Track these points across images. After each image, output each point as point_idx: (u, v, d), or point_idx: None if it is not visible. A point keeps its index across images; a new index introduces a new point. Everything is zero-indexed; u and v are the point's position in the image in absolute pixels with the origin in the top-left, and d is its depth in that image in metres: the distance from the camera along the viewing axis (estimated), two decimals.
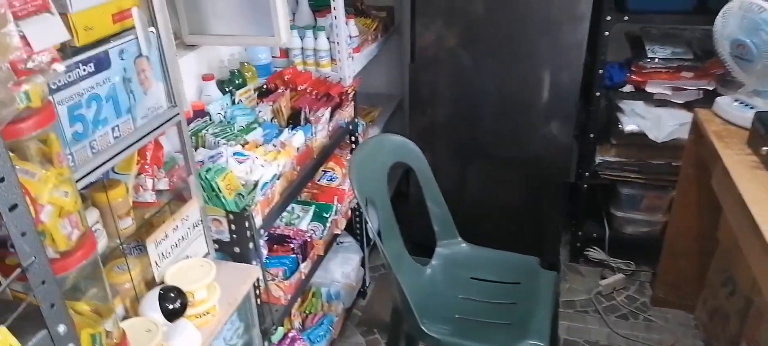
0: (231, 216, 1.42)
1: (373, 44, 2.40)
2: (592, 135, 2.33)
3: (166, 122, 1.19)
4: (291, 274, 1.70)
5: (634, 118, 2.27)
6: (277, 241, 1.79)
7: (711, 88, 2.18)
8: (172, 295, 1.10)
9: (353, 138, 2.19)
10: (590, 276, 2.54)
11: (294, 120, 1.87)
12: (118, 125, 1.08)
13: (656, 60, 2.20)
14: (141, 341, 1.03)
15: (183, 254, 1.26)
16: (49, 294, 0.73)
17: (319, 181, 2.08)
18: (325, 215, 1.96)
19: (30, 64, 0.69)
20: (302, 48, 2.15)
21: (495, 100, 2.22)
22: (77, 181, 0.95)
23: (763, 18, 1.66)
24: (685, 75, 2.19)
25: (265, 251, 1.68)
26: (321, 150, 1.89)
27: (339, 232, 2.07)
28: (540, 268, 1.82)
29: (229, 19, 1.77)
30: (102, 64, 1.03)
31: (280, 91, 1.97)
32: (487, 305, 1.74)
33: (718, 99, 1.94)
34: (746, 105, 1.84)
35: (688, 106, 2.22)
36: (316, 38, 2.11)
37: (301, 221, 1.90)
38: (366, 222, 2.33)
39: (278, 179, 1.59)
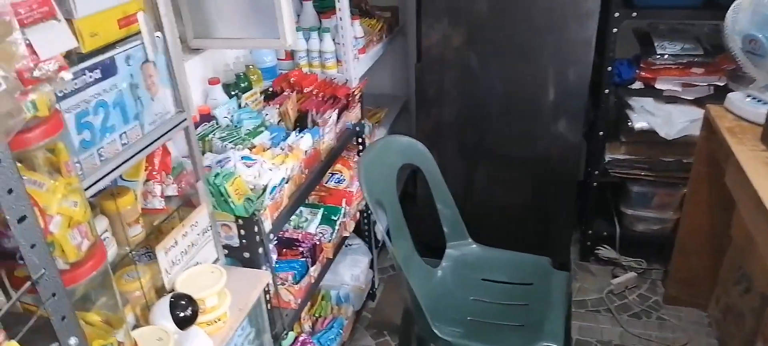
0: (240, 221, 1.41)
1: (378, 45, 2.38)
2: (601, 133, 2.31)
3: (173, 128, 1.18)
4: (301, 278, 1.69)
5: (644, 115, 2.25)
6: (286, 245, 1.77)
7: (722, 84, 2.15)
8: (183, 302, 1.09)
9: (360, 140, 2.18)
10: (601, 275, 2.52)
11: (301, 123, 1.85)
12: (125, 132, 1.06)
13: (665, 56, 2.18)
14: None
15: (193, 260, 1.25)
16: (60, 306, 0.72)
17: (326, 183, 2.07)
18: (333, 217, 1.94)
19: (37, 73, 0.68)
20: (307, 50, 2.13)
21: (502, 99, 2.20)
22: (85, 189, 0.93)
23: None
24: (695, 71, 2.17)
25: (274, 256, 1.66)
26: (328, 152, 1.88)
27: (348, 234, 2.06)
28: (552, 268, 1.80)
29: (234, 22, 1.76)
30: (108, 70, 1.02)
31: (286, 93, 1.96)
32: (498, 307, 1.73)
33: (730, 95, 1.91)
34: (759, 100, 1.82)
35: (698, 102, 2.19)
36: (321, 40, 2.10)
37: (310, 224, 1.89)
38: (375, 224, 2.32)
39: (287, 182, 1.58)
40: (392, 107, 2.74)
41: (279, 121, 1.86)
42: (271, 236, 1.51)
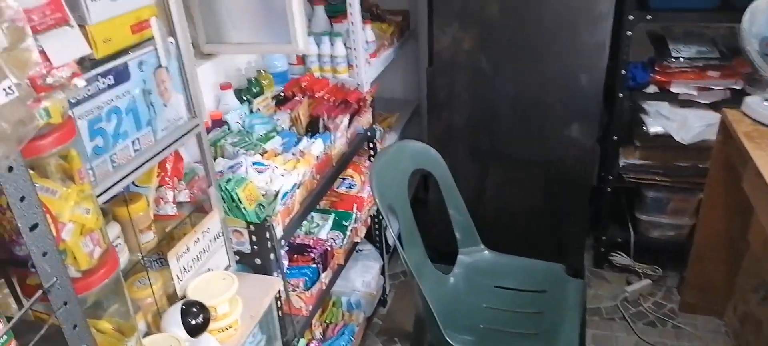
0: (252, 227, 1.40)
1: (389, 49, 2.37)
2: (615, 137, 2.29)
3: (186, 134, 1.18)
4: (312, 284, 1.68)
5: (659, 119, 2.22)
6: (297, 250, 1.76)
7: (738, 88, 2.12)
8: (195, 310, 1.08)
9: (372, 145, 2.17)
10: (616, 282, 2.48)
11: (312, 128, 1.85)
12: (138, 138, 1.06)
13: (681, 59, 2.15)
14: None
15: (204, 266, 1.25)
16: (72, 315, 0.71)
17: (338, 189, 2.06)
18: (344, 223, 1.93)
19: (50, 80, 0.68)
20: (319, 54, 2.13)
21: (514, 103, 2.19)
22: (98, 196, 0.93)
23: None
24: (711, 74, 2.14)
25: (285, 262, 1.66)
26: (340, 157, 1.87)
27: (359, 240, 2.04)
28: (566, 275, 1.78)
29: (246, 27, 1.75)
30: (121, 76, 1.02)
31: (297, 98, 1.95)
32: (512, 315, 1.70)
33: (747, 99, 1.88)
34: None
35: (714, 106, 2.16)
36: (332, 44, 2.09)
37: (321, 229, 1.88)
38: (386, 229, 2.31)
39: (298, 188, 1.57)
40: (403, 111, 2.73)
41: (290, 126, 1.85)
42: (283, 242, 1.50)
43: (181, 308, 1.08)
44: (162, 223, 1.22)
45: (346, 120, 1.89)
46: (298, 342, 1.63)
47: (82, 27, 0.92)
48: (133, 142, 1.05)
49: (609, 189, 2.38)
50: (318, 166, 1.70)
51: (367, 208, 2.07)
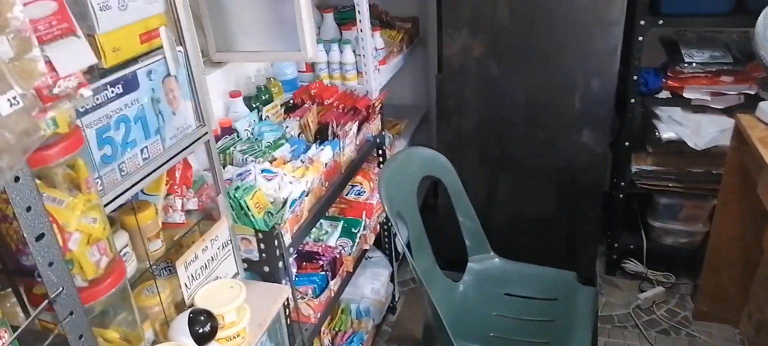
0: (260, 235, 1.40)
1: (398, 56, 2.37)
2: (627, 143, 2.26)
3: (194, 142, 1.18)
4: (321, 292, 1.67)
5: (672, 125, 2.19)
6: (306, 258, 1.76)
7: (753, 93, 2.09)
8: (202, 318, 1.08)
9: (381, 151, 2.16)
10: (628, 289, 2.45)
11: (321, 135, 1.85)
12: (147, 147, 1.06)
13: (693, 64, 2.12)
14: None
15: (213, 275, 1.24)
16: (78, 325, 0.71)
17: (347, 196, 2.05)
18: (353, 230, 1.93)
19: (56, 90, 0.68)
20: (328, 62, 2.13)
21: (525, 109, 2.17)
22: (106, 205, 0.93)
23: None
24: (724, 79, 2.11)
25: (294, 269, 1.65)
26: (349, 165, 1.86)
27: (368, 247, 2.04)
28: (578, 283, 1.75)
29: (256, 35, 1.76)
30: (130, 85, 1.02)
31: (306, 105, 1.95)
32: (522, 323, 1.69)
33: (762, 104, 1.85)
34: None
35: (728, 111, 2.13)
36: (341, 52, 2.10)
37: (330, 237, 1.88)
38: (395, 236, 2.30)
39: (307, 195, 1.57)
40: (412, 118, 2.72)
41: (299, 134, 1.85)
42: (291, 249, 1.50)
43: (189, 317, 1.07)
44: (170, 231, 1.22)
45: (355, 127, 1.89)
46: None
47: (91, 36, 0.92)
48: (141, 150, 1.05)
49: (621, 195, 2.35)
50: (327, 173, 1.70)
51: (377, 215, 2.07)
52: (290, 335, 1.48)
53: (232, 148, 1.65)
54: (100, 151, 0.96)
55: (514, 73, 2.13)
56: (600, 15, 1.96)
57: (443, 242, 1.90)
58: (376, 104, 2.06)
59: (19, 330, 0.70)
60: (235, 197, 1.35)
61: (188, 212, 1.28)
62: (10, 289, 0.83)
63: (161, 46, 1.07)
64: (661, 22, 2.05)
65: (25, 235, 0.65)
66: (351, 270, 1.89)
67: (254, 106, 1.88)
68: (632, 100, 2.18)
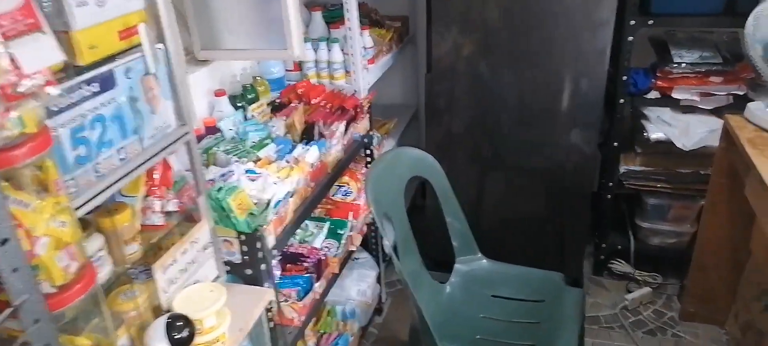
0: (242, 237, 1.37)
1: (387, 55, 2.34)
2: (616, 144, 2.25)
3: (175, 142, 1.15)
4: (305, 294, 1.65)
5: (661, 125, 2.19)
6: (291, 260, 1.73)
7: (741, 93, 2.09)
8: (180, 323, 1.05)
9: (368, 151, 2.14)
10: (615, 290, 2.45)
11: (308, 135, 1.82)
12: (124, 147, 1.03)
13: (683, 65, 2.12)
14: None
15: (192, 278, 1.22)
16: (44, 333, 0.69)
17: (333, 196, 2.03)
18: (339, 231, 1.90)
19: (21, 89, 0.65)
20: (316, 60, 2.10)
21: (514, 110, 2.16)
22: (81, 206, 0.90)
23: None
24: (713, 80, 2.11)
25: (277, 272, 1.63)
26: (336, 165, 1.84)
27: (354, 249, 2.01)
28: (564, 284, 1.74)
29: (242, 33, 1.73)
30: (107, 83, 0.99)
31: (293, 105, 1.93)
32: (509, 325, 1.67)
33: (750, 104, 1.85)
34: None
35: (717, 112, 2.13)
36: (329, 50, 2.07)
37: (315, 238, 1.85)
38: (382, 237, 2.28)
39: (292, 196, 1.54)
40: (401, 117, 2.71)
41: (285, 134, 1.82)
42: (275, 251, 1.47)
43: (166, 322, 1.05)
44: (149, 233, 1.19)
45: (341, 127, 1.86)
46: None
47: (65, 33, 0.89)
48: (118, 150, 1.02)
49: (609, 196, 2.35)
50: (313, 173, 1.67)
51: (363, 216, 2.04)
52: (273, 339, 1.45)
53: (215, 148, 1.62)
54: (74, 151, 0.93)
55: (503, 73, 2.11)
56: (590, 15, 1.95)
57: (431, 243, 1.88)
58: (364, 104, 2.03)
59: None
60: (216, 197, 1.32)
61: (168, 214, 1.25)
62: None
63: (141, 44, 1.04)
64: (651, 22, 2.04)
65: None
66: (337, 272, 1.87)
67: (239, 105, 1.85)
68: (621, 101, 2.18)
